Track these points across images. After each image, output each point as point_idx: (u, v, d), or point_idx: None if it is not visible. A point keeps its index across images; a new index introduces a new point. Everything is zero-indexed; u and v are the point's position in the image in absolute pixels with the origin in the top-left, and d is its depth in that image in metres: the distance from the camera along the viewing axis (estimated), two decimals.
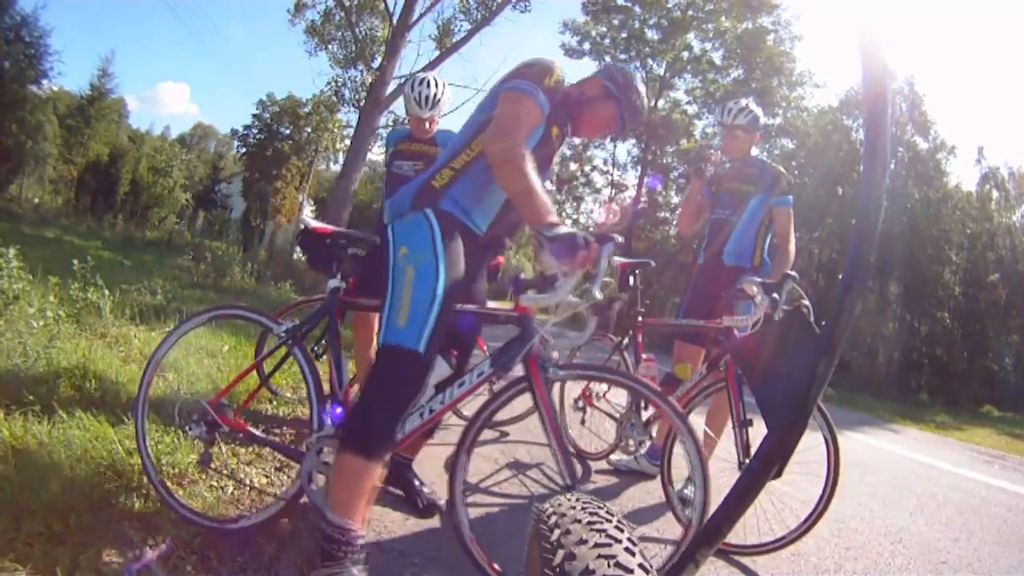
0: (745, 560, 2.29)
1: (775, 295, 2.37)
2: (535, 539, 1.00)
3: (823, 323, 0.73)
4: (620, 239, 1.55)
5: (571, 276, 1.54)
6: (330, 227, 2.01)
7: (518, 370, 1.74)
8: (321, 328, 2.47)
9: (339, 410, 1.81)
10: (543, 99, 1.73)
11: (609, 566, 0.82)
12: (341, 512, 1.49)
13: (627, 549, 0.86)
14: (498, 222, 1.86)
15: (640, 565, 0.84)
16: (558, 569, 0.85)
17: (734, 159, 3.26)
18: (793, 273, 2.45)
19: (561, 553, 0.86)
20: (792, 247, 3.08)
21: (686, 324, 2.99)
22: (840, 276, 0.70)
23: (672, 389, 2.69)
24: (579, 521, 0.92)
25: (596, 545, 0.85)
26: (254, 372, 2.32)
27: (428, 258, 1.63)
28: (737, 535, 2.29)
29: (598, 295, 1.58)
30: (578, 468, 1.65)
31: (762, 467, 0.74)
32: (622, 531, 0.90)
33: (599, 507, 0.98)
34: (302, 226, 2.06)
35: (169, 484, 1.86)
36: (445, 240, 1.67)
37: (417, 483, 2.27)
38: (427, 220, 1.70)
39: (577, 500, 1.01)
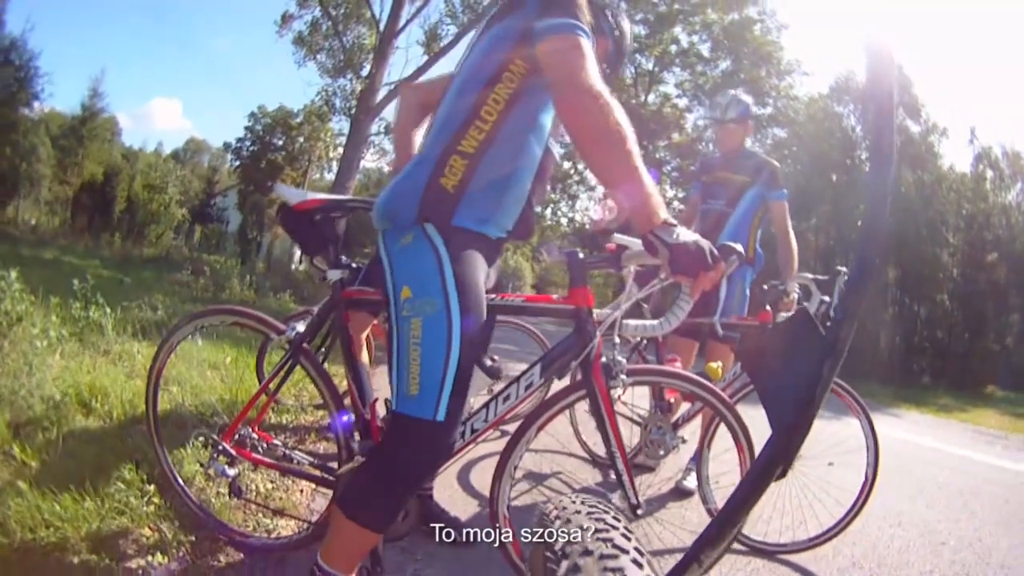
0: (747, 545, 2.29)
1: (824, 297, 2.30)
2: (538, 544, 0.98)
3: (828, 324, 0.74)
4: (741, 249, 1.29)
5: (691, 299, 1.26)
6: (317, 197, 1.65)
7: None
8: (320, 334, 2.25)
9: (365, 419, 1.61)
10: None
11: None
12: (333, 564, 1.36)
13: (635, 561, 0.83)
14: (521, 219, 1.50)
15: None
16: None
17: (729, 153, 3.27)
18: (843, 269, 2.37)
19: (565, 565, 0.84)
20: (792, 240, 3.11)
21: (703, 323, 2.76)
22: (847, 276, 0.71)
23: None
24: (584, 528, 0.90)
25: (602, 556, 0.83)
26: (281, 388, 2.05)
27: (438, 304, 1.29)
28: (759, 531, 2.29)
29: (674, 324, 1.35)
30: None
31: (766, 469, 0.72)
32: (629, 540, 0.87)
33: (605, 511, 0.95)
34: (280, 202, 1.69)
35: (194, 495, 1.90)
36: (458, 269, 1.32)
37: (439, 510, 2.11)
38: (433, 247, 1.33)
39: (583, 503, 0.99)
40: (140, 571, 1.57)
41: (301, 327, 1.73)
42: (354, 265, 1.80)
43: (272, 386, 1.82)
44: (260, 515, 2.00)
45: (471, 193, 1.37)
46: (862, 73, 0.64)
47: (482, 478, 2.55)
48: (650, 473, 3.09)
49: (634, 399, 2.97)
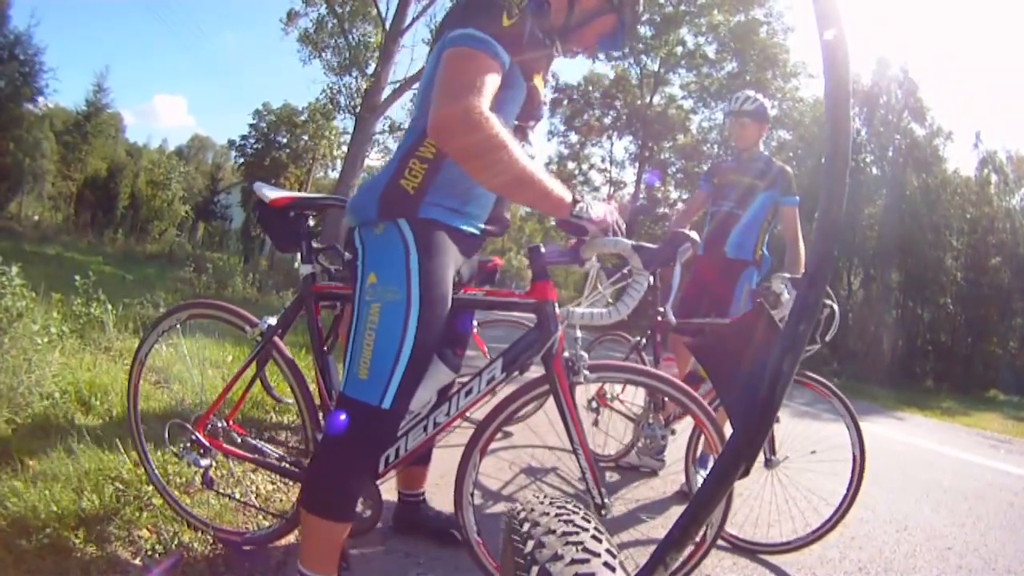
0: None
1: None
2: (508, 546, 0.94)
3: (785, 319, 0.73)
4: (696, 237, 1.30)
5: (643, 278, 1.29)
6: (290, 194, 1.69)
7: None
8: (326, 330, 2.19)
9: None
10: (500, 51, 1.28)
11: None
12: (313, 567, 1.37)
13: (606, 564, 0.80)
14: (498, 208, 1.53)
15: None
16: None
17: (742, 149, 3.26)
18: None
19: (535, 571, 0.81)
20: (802, 245, 3.11)
21: (713, 323, 2.75)
22: (807, 271, 0.70)
23: (695, 387, 2.54)
24: (553, 531, 0.87)
25: (573, 561, 0.78)
26: (256, 382, 2.08)
27: (398, 293, 1.32)
28: (762, 532, 2.30)
29: (624, 312, 1.38)
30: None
31: (728, 468, 0.72)
32: (600, 542, 0.84)
33: (575, 512, 0.92)
34: (257, 198, 1.72)
35: (176, 493, 1.88)
36: (424, 261, 1.35)
37: (435, 513, 2.05)
38: (402, 238, 1.36)
39: (552, 504, 0.95)
40: (138, 572, 1.55)
41: (272, 320, 1.74)
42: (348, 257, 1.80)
43: (245, 378, 1.81)
44: (238, 510, 1.97)
45: (432, 194, 1.40)
46: (820, 68, 0.64)
47: (483, 477, 2.53)
48: (653, 476, 3.09)
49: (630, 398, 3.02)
